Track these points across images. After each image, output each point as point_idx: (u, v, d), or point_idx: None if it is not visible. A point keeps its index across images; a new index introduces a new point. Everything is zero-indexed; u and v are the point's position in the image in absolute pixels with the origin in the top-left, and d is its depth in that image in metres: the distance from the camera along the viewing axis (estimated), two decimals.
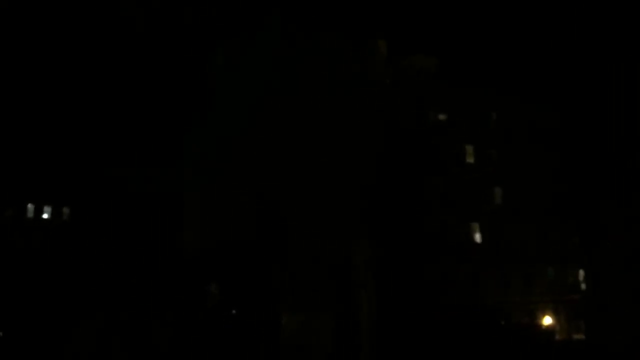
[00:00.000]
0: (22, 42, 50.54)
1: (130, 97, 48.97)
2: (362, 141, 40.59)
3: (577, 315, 46.70)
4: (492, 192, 46.93)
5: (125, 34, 48.31)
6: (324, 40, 41.91)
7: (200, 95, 45.08)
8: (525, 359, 36.25)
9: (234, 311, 38.58)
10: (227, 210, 40.98)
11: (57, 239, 49.23)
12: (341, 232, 38.08)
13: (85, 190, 49.38)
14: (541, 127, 49.56)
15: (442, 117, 46.61)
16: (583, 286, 48.34)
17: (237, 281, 38.73)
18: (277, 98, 39.89)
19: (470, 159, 46.72)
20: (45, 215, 50.95)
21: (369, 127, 41.26)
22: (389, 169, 41.85)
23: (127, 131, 48.37)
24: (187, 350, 36.29)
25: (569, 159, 49.59)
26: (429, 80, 46.40)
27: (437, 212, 43.77)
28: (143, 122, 47.92)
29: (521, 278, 45.52)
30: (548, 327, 44.69)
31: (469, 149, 46.81)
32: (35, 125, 50.13)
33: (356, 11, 44.66)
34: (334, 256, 37.40)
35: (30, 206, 50.59)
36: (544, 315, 45.63)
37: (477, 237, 45.51)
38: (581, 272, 48.70)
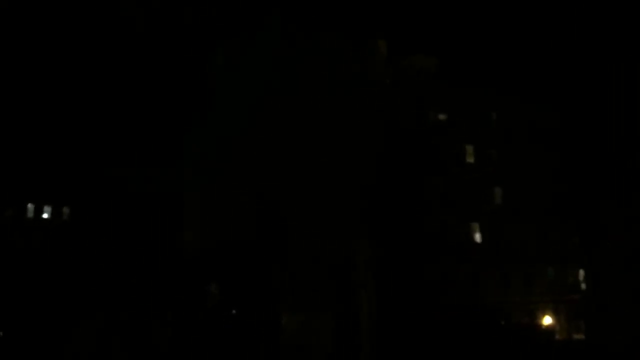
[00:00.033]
0: (22, 42, 50.56)
1: (130, 97, 48.99)
2: (362, 141, 40.59)
3: (577, 315, 46.71)
4: (492, 192, 46.93)
5: (125, 34, 48.32)
6: (324, 40, 41.91)
7: (200, 95, 45.08)
8: (525, 359, 36.25)
9: (234, 311, 38.58)
10: (227, 210, 40.98)
11: (57, 239, 49.22)
12: (341, 232, 38.08)
13: (85, 190, 49.38)
14: (541, 127, 49.56)
15: (442, 117, 46.61)
16: (583, 286, 48.34)
17: (237, 281, 38.73)
18: (277, 98, 39.89)
19: (470, 159, 46.72)
20: (45, 215, 50.95)
21: (369, 127, 41.25)
22: (389, 169, 41.84)
23: (127, 131, 48.37)
24: (187, 350, 36.29)
25: (569, 159, 49.58)
26: (429, 80, 46.40)
27: (437, 212, 43.77)
28: (143, 122, 47.93)
29: (521, 278, 45.52)
30: (548, 327, 44.69)
31: (469, 149, 46.81)
32: (36, 125, 50.14)
33: (356, 11, 44.69)
34: (334, 256, 37.40)
35: (30, 206, 50.59)
36: (544, 315, 45.63)
37: (477, 237, 45.51)
38: (581, 272, 48.71)
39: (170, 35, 47.02)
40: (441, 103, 46.62)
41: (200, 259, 40.90)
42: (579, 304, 46.92)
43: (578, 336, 45.68)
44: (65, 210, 51.18)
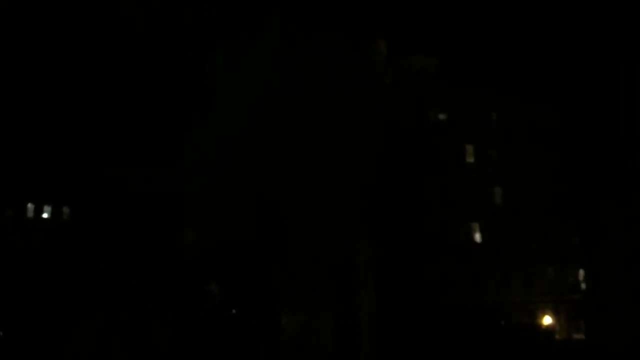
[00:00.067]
0: (22, 42, 50.55)
1: (130, 97, 48.97)
2: (362, 141, 40.59)
3: (577, 315, 46.71)
4: (492, 192, 46.95)
5: (125, 34, 48.31)
6: (324, 40, 41.92)
7: (200, 95, 45.08)
8: (525, 359, 36.25)
9: (234, 311, 38.58)
10: (227, 210, 40.98)
11: (57, 239, 49.21)
12: (341, 232, 38.08)
13: (85, 190, 49.36)
14: (541, 127, 49.56)
15: (442, 117, 46.63)
16: (583, 286, 48.34)
17: (237, 281, 38.73)
18: (277, 98, 39.89)
19: (470, 159, 46.74)
20: (45, 215, 50.95)
21: (369, 127, 41.26)
22: (389, 169, 41.85)
23: (127, 131, 48.36)
24: (187, 350, 36.29)
25: (569, 159, 49.58)
26: (429, 80, 46.42)
27: (437, 212, 43.77)
28: (143, 122, 47.92)
29: (521, 278, 45.53)
30: (548, 327, 44.71)
31: (469, 149, 46.83)
32: (35, 125, 50.13)
33: (356, 11, 44.68)
34: (334, 256, 37.40)
35: (30, 206, 50.58)
36: (544, 315, 45.64)
37: (477, 237, 45.53)
38: (581, 272, 48.71)
39: (170, 36, 47.03)
40: (441, 103, 46.63)
41: (200, 259, 40.90)
42: (579, 304, 46.92)
43: (578, 336, 45.68)
44: (65, 210, 51.17)
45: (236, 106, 42.67)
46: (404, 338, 36.10)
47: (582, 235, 47.74)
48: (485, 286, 43.80)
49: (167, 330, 37.14)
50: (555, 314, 46.11)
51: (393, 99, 44.11)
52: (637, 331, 39.61)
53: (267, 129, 39.90)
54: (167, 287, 40.13)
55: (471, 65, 52.12)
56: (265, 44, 41.83)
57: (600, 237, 45.71)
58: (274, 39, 41.62)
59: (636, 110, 44.55)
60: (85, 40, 50.52)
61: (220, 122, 43.14)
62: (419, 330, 36.66)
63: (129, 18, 47.46)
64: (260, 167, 39.42)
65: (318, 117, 39.70)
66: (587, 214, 47.21)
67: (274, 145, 39.26)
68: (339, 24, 42.87)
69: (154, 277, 41.18)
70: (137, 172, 46.64)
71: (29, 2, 50.50)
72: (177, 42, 46.94)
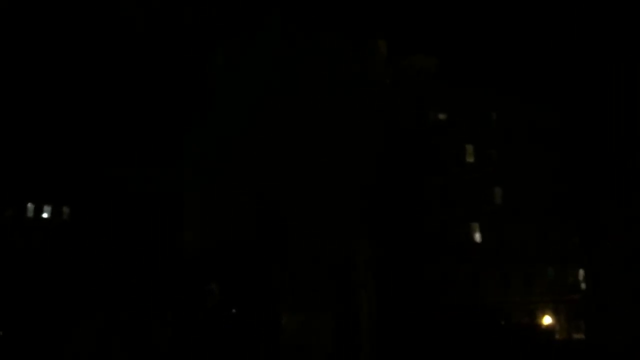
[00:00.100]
0: (22, 42, 50.54)
1: (130, 97, 48.96)
2: (362, 141, 40.59)
3: (577, 315, 46.71)
4: (492, 192, 46.95)
5: (125, 34, 48.30)
6: (324, 40, 41.92)
7: (200, 95, 45.08)
8: (525, 358, 36.25)
9: (234, 311, 38.58)
10: (227, 210, 40.98)
11: (57, 239, 49.21)
12: (341, 232, 38.08)
13: (85, 190, 49.35)
14: (541, 127, 49.57)
15: (442, 117, 46.65)
16: (583, 286, 48.34)
17: (237, 281, 38.73)
18: (277, 98, 39.89)
19: (470, 159, 46.75)
20: (45, 215, 50.94)
21: (369, 127, 41.26)
22: (389, 169, 41.85)
23: (127, 131, 48.35)
24: (187, 350, 36.29)
25: (569, 159, 49.58)
26: (429, 80, 46.42)
27: (437, 212, 43.78)
28: (143, 122, 47.91)
29: (521, 278, 45.54)
30: (548, 327, 44.71)
31: (469, 148, 46.84)
32: (35, 125, 50.12)
33: (356, 11, 44.67)
34: (334, 256, 37.40)
35: (30, 205, 50.57)
36: (544, 315, 45.65)
37: (477, 237, 45.54)
38: (581, 272, 48.71)
39: (170, 36, 47.02)
40: (441, 103, 46.64)
41: (200, 259, 40.89)
42: (579, 304, 46.92)
43: (578, 336, 45.69)
44: (65, 210, 51.17)
45: (236, 106, 42.66)
46: (404, 338, 36.10)
47: (582, 235, 47.74)
48: (485, 286, 43.81)
49: (167, 330, 37.13)
50: (555, 314, 46.11)
51: (393, 99, 44.11)
52: (637, 331, 39.61)
53: (267, 129, 39.90)
54: (167, 287, 40.12)
55: (471, 65, 52.16)
56: (265, 44, 41.83)
57: (600, 237, 45.72)
58: (274, 39, 41.63)
59: (636, 110, 44.56)
60: (86, 40, 50.53)
61: (220, 122, 43.14)
62: (419, 330, 36.66)
63: (129, 18, 47.46)
64: (260, 167, 39.42)
65: (318, 118, 39.70)
66: (587, 214, 47.22)
67: (274, 145, 39.26)
68: (339, 24, 42.87)
69: (154, 277, 41.17)
70: (137, 172, 46.63)
71: (29, 2, 50.50)
72: (177, 42, 46.95)
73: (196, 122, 45.10)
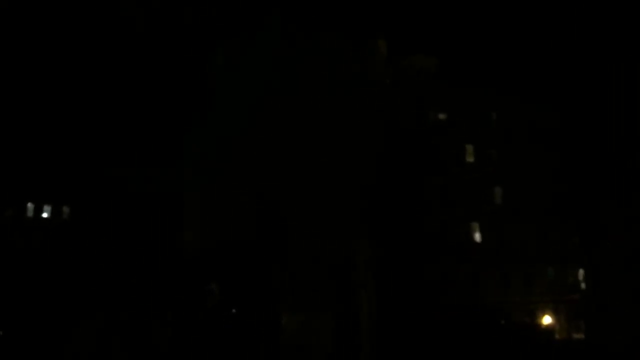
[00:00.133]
0: (22, 42, 50.54)
1: (130, 97, 48.95)
2: (362, 141, 40.59)
3: (577, 315, 46.72)
4: (492, 192, 46.97)
5: (125, 34, 48.30)
6: (324, 40, 41.92)
7: (200, 95, 45.07)
8: (525, 358, 36.26)
9: (234, 311, 38.58)
10: (227, 210, 40.98)
11: (57, 239, 49.20)
12: (341, 232, 38.08)
13: (85, 190, 49.34)
14: (541, 127, 49.57)
15: (442, 117, 46.66)
16: (583, 286, 48.35)
17: (237, 281, 38.73)
18: (277, 98, 39.90)
19: (470, 159, 46.76)
20: (45, 215, 50.94)
21: (369, 127, 41.26)
22: (389, 169, 41.86)
23: (127, 131, 48.34)
24: (187, 350, 36.29)
25: (569, 159, 49.59)
26: (429, 80, 46.43)
27: (437, 212, 43.80)
28: (143, 122, 47.90)
29: (521, 278, 45.54)
30: (548, 327, 44.72)
31: (469, 148, 46.86)
32: (35, 125, 50.12)
33: (356, 11, 44.66)
34: (334, 256, 37.41)
35: (30, 205, 50.56)
36: (544, 315, 45.65)
37: (477, 237, 45.55)
38: (581, 272, 48.72)
39: (170, 36, 47.01)
40: (441, 103, 46.66)
41: (200, 259, 40.89)
42: (579, 304, 46.93)
43: (578, 336, 45.69)
44: (65, 209, 51.15)
45: (236, 106, 42.66)
46: (404, 338, 36.11)
47: (582, 235, 47.76)
48: (485, 286, 43.83)
49: (167, 330, 37.13)
50: (555, 314, 46.12)
51: (393, 99, 44.12)
52: (637, 331, 39.62)
53: (267, 129, 39.90)
54: (167, 287, 40.12)
55: (471, 65, 52.15)
56: (265, 44, 41.83)
57: (600, 237, 45.75)
58: (274, 39, 41.63)
59: (636, 110, 44.57)
60: (85, 40, 50.52)
61: (220, 122, 43.13)
62: (419, 330, 36.67)
63: (129, 18, 47.46)
64: (260, 167, 39.42)
65: (318, 118, 39.70)
66: (587, 214, 47.23)
67: (274, 145, 39.27)
68: (339, 24, 42.86)
69: (154, 277, 41.16)
70: (137, 172, 46.62)
71: (29, 2, 50.50)
72: (177, 42, 46.94)
73: (196, 122, 45.08)
